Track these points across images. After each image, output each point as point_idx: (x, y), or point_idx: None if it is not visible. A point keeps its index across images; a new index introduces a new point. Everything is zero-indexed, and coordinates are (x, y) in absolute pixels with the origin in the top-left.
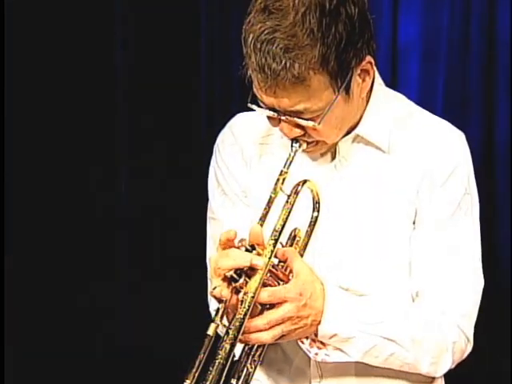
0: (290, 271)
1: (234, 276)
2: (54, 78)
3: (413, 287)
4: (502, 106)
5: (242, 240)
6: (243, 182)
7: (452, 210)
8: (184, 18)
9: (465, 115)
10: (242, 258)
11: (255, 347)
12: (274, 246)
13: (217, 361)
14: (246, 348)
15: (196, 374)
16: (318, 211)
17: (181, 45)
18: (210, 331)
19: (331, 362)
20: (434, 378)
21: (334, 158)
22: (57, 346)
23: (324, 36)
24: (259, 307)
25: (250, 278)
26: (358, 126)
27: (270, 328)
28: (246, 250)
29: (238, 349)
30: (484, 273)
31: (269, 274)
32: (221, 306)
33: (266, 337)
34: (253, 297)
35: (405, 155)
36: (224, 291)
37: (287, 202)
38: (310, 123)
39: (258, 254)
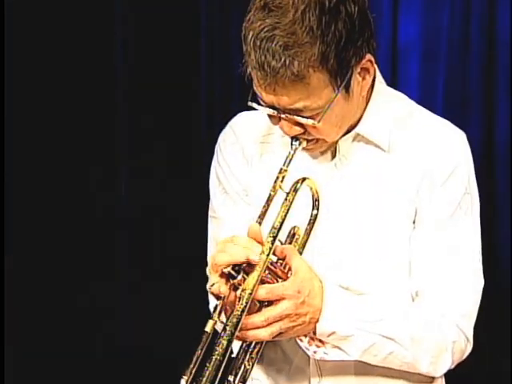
0: (289, 269)
1: (232, 273)
2: (54, 77)
3: (412, 287)
4: (502, 106)
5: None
6: (244, 180)
7: (452, 209)
8: (184, 17)
9: (465, 115)
10: (238, 254)
11: (253, 344)
12: (273, 243)
13: (214, 357)
14: (244, 345)
15: (193, 371)
16: (318, 209)
17: (181, 45)
18: (208, 328)
19: (330, 361)
20: (433, 378)
21: (334, 156)
22: (57, 346)
23: (323, 34)
24: (257, 304)
25: (248, 274)
26: (358, 124)
27: (268, 325)
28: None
29: (236, 346)
30: (484, 273)
31: (267, 272)
32: (219, 302)
33: (264, 334)
34: (251, 293)
35: (405, 154)
36: (222, 288)
37: (286, 199)
38: (309, 121)
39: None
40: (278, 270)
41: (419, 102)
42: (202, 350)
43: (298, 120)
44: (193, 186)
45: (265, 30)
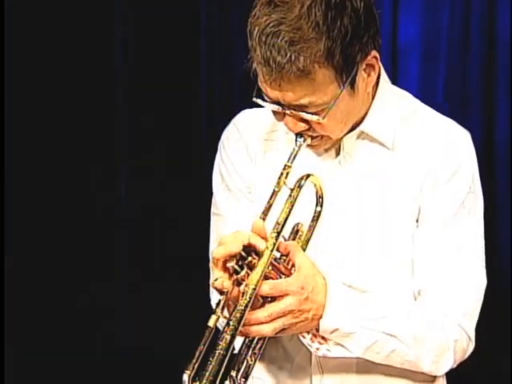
0: (292, 265)
1: (236, 268)
2: (54, 78)
3: (415, 285)
4: (502, 106)
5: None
6: (248, 177)
7: (456, 208)
8: (184, 17)
9: (465, 115)
10: (232, 245)
11: (256, 340)
12: (277, 239)
13: (217, 351)
14: (247, 340)
15: (196, 365)
16: (322, 206)
17: (181, 45)
18: (211, 323)
19: (332, 358)
20: (435, 377)
21: (338, 154)
22: (57, 346)
23: (329, 29)
24: (260, 300)
25: (251, 270)
26: (362, 122)
27: (271, 321)
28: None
29: (238, 342)
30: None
31: (271, 268)
32: (222, 297)
33: (267, 329)
34: (254, 289)
35: (409, 153)
36: (225, 283)
37: (290, 195)
38: (314, 117)
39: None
40: (281, 266)
41: None
42: (204, 345)
43: (303, 116)
44: (193, 185)
45: (270, 25)
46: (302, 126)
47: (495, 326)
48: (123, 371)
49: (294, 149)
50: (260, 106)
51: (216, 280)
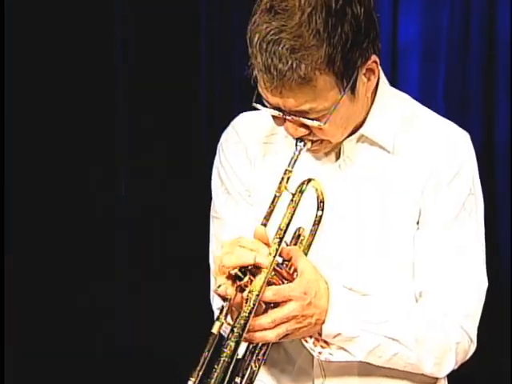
0: (295, 270)
1: (239, 274)
2: (54, 77)
3: (416, 287)
4: (502, 106)
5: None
6: (247, 181)
7: (457, 210)
8: (184, 17)
9: (465, 115)
10: (245, 256)
11: (259, 346)
12: (279, 245)
13: (222, 358)
14: (251, 347)
15: (200, 373)
16: (323, 210)
17: (181, 45)
18: (215, 329)
19: (335, 362)
20: (437, 379)
21: (338, 157)
22: (57, 345)
23: (330, 36)
24: (264, 306)
25: (254, 276)
26: (362, 125)
27: (275, 327)
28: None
29: (242, 348)
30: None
31: (273, 273)
32: (225, 304)
33: (271, 335)
34: (258, 295)
35: (410, 155)
36: (229, 289)
37: (292, 200)
38: (315, 123)
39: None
40: (283, 272)
41: (419, 102)
42: (209, 351)
43: (304, 122)
44: (193, 186)
45: (271, 32)
46: (303, 131)
47: (495, 326)
48: (123, 371)
49: (294, 153)
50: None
51: (219, 287)
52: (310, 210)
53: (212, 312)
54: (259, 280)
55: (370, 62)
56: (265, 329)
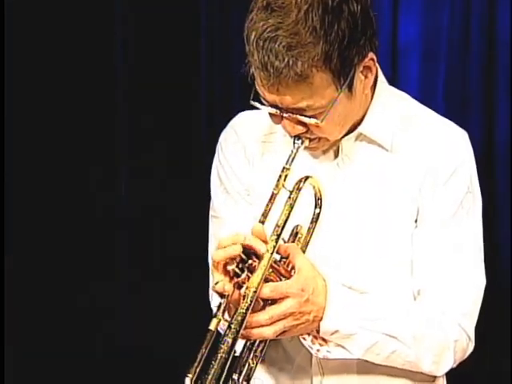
0: (292, 267)
1: (237, 271)
2: (54, 78)
3: (414, 286)
4: (502, 106)
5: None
6: (246, 180)
7: (454, 208)
8: (184, 17)
9: (465, 115)
10: (232, 247)
11: (257, 343)
12: (277, 242)
13: (219, 355)
14: (248, 343)
15: (198, 369)
16: (320, 208)
17: (181, 45)
18: (212, 326)
19: (333, 360)
20: (435, 377)
21: (336, 156)
22: (57, 346)
23: (327, 34)
24: (261, 303)
25: (252, 273)
26: (361, 124)
27: (272, 323)
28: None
29: (239, 345)
30: (484, 272)
31: (271, 270)
32: (223, 300)
33: (268, 332)
34: (255, 291)
35: (408, 153)
36: (226, 286)
37: (289, 197)
38: (312, 121)
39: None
40: (281, 269)
41: (419, 102)
42: (206, 348)
43: (301, 119)
44: (193, 186)
45: (268, 30)
46: (300, 129)
47: (495, 326)
48: (123, 371)
49: (292, 151)
50: (258, 109)
51: (216, 283)
52: (307, 208)
53: (212, 312)
54: (256, 277)
55: (367, 60)
56: (262, 325)
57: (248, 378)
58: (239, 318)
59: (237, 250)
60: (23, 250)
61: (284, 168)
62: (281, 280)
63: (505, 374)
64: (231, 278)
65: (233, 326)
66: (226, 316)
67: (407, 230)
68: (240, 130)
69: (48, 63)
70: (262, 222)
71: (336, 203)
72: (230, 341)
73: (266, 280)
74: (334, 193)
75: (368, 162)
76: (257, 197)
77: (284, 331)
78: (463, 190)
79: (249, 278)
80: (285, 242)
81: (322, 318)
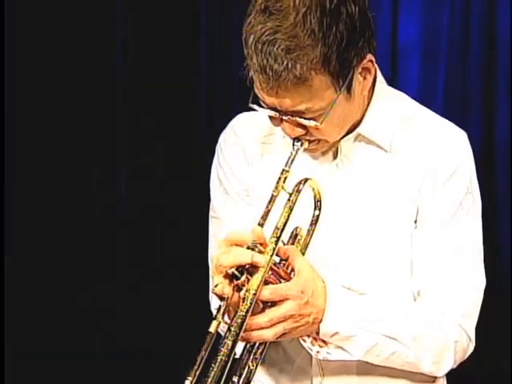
0: (292, 269)
1: (236, 273)
2: (54, 78)
3: (414, 286)
4: (502, 106)
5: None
6: (245, 181)
7: (454, 209)
8: (184, 17)
9: (465, 115)
10: (242, 256)
11: (257, 345)
12: (276, 244)
13: (219, 357)
14: (248, 346)
15: (197, 372)
16: (320, 209)
17: (181, 45)
18: (212, 328)
19: (333, 361)
20: (435, 378)
21: (335, 157)
22: (57, 345)
23: (325, 36)
24: (261, 305)
25: (251, 275)
26: (359, 124)
27: (272, 326)
28: (248, 248)
29: (239, 347)
30: (484, 273)
31: (270, 272)
32: (222, 303)
33: (268, 334)
34: (255, 294)
35: (407, 154)
36: (226, 288)
37: (289, 199)
38: (312, 123)
39: (260, 252)
40: (281, 271)
41: (419, 102)
42: (206, 350)
43: (300, 122)
44: (193, 186)
45: (266, 33)
46: (299, 131)
47: (495, 326)
48: (123, 371)
49: (291, 153)
50: (257, 111)
51: (216, 286)
52: (307, 210)
53: (211, 313)
54: (256, 279)
55: (365, 61)
56: (262, 328)
57: (248, 381)
58: (239, 321)
59: (248, 259)
60: (23, 250)
61: (283, 170)
62: (280, 282)
63: (505, 374)
64: (231, 281)
65: (232, 328)
66: (226, 318)
67: (407, 231)
68: (239, 131)
69: (48, 63)
70: (262, 225)
71: (335, 204)
72: (229, 343)
73: (266, 282)
74: (334, 194)
75: (367, 163)
76: (256, 198)
77: (284, 333)
78: (463, 190)
79: (248, 280)
80: (284, 244)
81: (321, 320)
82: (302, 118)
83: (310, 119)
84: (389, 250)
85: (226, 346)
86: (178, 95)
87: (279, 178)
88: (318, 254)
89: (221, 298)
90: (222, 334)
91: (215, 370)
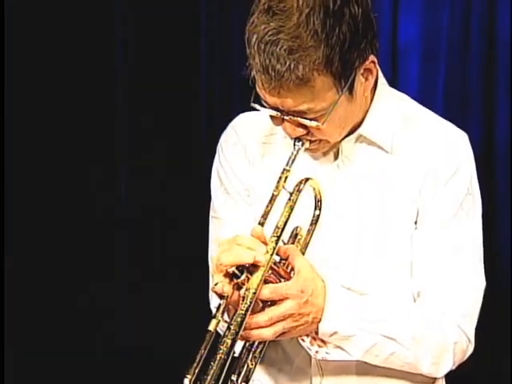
0: (292, 269)
1: (236, 272)
2: (54, 78)
3: (414, 287)
4: (502, 106)
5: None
6: (246, 181)
7: (454, 210)
8: (184, 17)
9: (465, 115)
10: (243, 255)
11: (256, 344)
12: (276, 243)
13: (218, 356)
14: (247, 344)
15: (197, 370)
16: (320, 209)
17: (181, 45)
18: (211, 327)
19: (332, 361)
20: (435, 379)
21: (336, 157)
22: (57, 345)
23: (328, 37)
24: (260, 304)
25: (251, 274)
26: (361, 125)
27: (272, 325)
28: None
29: (238, 346)
30: (484, 273)
31: (270, 271)
32: (222, 302)
33: (267, 333)
34: (254, 293)
35: (408, 155)
36: (226, 287)
37: (290, 199)
38: (313, 123)
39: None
40: (280, 270)
41: (419, 102)
42: (205, 349)
43: (302, 122)
44: (193, 186)
45: (269, 33)
46: (301, 131)
47: (495, 326)
48: (123, 371)
49: (292, 153)
50: (258, 110)
51: (216, 284)
52: (307, 210)
53: (211, 312)
54: (256, 278)
55: (367, 62)
56: (261, 327)
57: (247, 379)
58: (238, 319)
59: (248, 258)
60: (23, 250)
61: (284, 169)
62: (280, 281)
63: (505, 374)
64: (231, 279)
65: (232, 327)
66: (226, 317)
67: (407, 232)
68: (240, 130)
69: (48, 63)
70: (262, 224)
71: (336, 205)
72: (229, 342)
73: (266, 281)
74: (334, 194)
75: (368, 164)
76: (257, 198)
77: (283, 332)
78: (463, 191)
79: (248, 279)
80: (284, 244)
81: (320, 320)
82: (303, 118)
83: (311, 119)
84: (389, 251)
85: (225, 345)
86: (177, 95)
87: (280, 178)
88: (318, 254)
89: (221, 296)
90: (222, 332)
91: (214, 368)
